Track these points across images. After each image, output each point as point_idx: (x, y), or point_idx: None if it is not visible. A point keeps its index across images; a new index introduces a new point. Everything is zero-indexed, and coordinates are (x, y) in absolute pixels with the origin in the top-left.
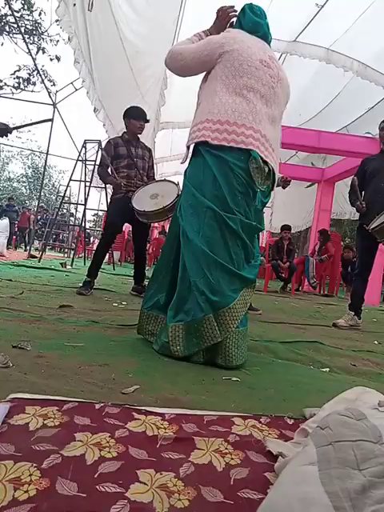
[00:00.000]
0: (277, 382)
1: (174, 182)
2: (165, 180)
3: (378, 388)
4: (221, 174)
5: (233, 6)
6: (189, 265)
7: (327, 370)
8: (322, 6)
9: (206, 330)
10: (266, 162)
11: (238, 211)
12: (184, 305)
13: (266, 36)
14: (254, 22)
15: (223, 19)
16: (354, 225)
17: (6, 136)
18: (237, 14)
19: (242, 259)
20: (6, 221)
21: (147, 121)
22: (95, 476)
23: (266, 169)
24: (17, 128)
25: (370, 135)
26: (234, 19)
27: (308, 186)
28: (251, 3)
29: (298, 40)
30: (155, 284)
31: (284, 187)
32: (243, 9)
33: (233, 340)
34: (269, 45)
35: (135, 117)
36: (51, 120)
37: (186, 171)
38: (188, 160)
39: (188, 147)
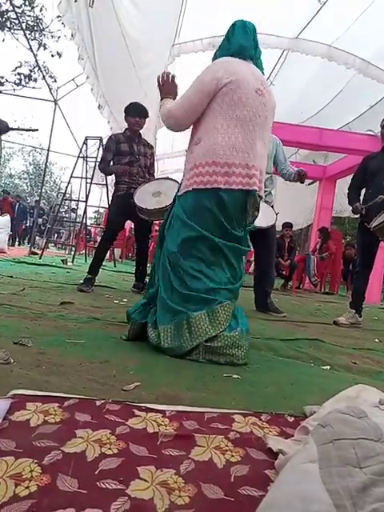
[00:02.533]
0: (277, 379)
1: (176, 181)
2: (168, 178)
3: (378, 386)
4: (215, 207)
5: (166, 72)
6: (172, 277)
7: (328, 367)
8: (325, 3)
9: (199, 325)
10: (260, 196)
11: (225, 236)
12: (168, 308)
13: (252, 58)
14: (240, 46)
15: (168, 83)
16: (355, 223)
17: (4, 133)
18: (174, 75)
19: (224, 277)
20: (6, 217)
21: (145, 116)
22: (96, 472)
23: (259, 200)
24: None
25: (372, 133)
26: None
27: (309, 184)
28: (242, 20)
29: (300, 37)
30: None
31: (302, 182)
32: (233, 25)
33: (233, 340)
34: (257, 65)
35: (132, 114)
36: (37, 130)
37: (179, 199)
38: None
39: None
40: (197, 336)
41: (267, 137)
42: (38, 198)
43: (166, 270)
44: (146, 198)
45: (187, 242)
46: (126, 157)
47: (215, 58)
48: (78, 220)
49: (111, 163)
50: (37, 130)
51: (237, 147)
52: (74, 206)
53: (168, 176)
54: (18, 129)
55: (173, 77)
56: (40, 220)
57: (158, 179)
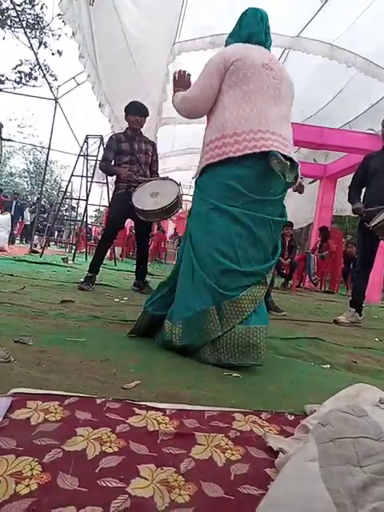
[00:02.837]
0: (277, 378)
1: (176, 182)
2: (167, 178)
3: (378, 385)
4: (231, 180)
5: (185, 71)
6: (194, 265)
7: (328, 366)
8: (326, 1)
9: (207, 323)
10: (287, 158)
11: (246, 207)
12: (185, 303)
13: (261, 43)
14: (250, 33)
15: (183, 78)
16: (355, 221)
17: None
18: (190, 73)
19: (250, 255)
20: (7, 216)
21: (145, 115)
22: (96, 471)
23: (288, 163)
24: None
25: (373, 132)
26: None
27: (310, 183)
28: (254, 8)
29: (301, 35)
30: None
31: (300, 192)
32: (245, 12)
33: (248, 337)
34: (267, 48)
35: (132, 112)
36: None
37: (196, 182)
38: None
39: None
40: (205, 334)
41: (285, 108)
42: (38, 196)
43: (190, 261)
44: (143, 198)
45: (202, 216)
46: (126, 156)
47: (226, 44)
48: (77, 218)
49: (112, 162)
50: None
51: (245, 117)
52: (73, 205)
53: (168, 176)
54: None
55: (189, 75)
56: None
57: (158, 179)
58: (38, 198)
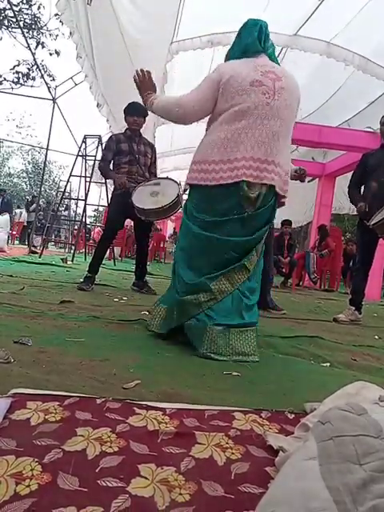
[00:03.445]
0: (277, 376)
1: (175, 181)
2: (167, 178)
3: (378, 383)
4: (207, 204)
5: (140, 69)
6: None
7: (328, 364)
8: (323, 0)
9: (181, 308)
10: (259, 185)
11: (219, 231)
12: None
13: (258, 52)
14: (245, 45)
15: (145, 80)
16: (354, 220)
17: None
18: (149, 70)
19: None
20: (6, 216)
21: (144, 115)
22: (96, 471)
23: (255, 194)
24: None
25: (371, 130)
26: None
27: (309, 181)
28: (254, 19)
29: (299, 34)
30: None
31: (302, 180)
32: (245, 24)
33: (220, 334)
34: (269, 55)
35: (130, 113)
36: None
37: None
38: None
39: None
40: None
41: (277, 123)
42: (33, 195)
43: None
44: (143, 198)
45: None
46: (126, 156)
47: (226, 56)
48: (76, 218)
49: (111, 163)
50: None
51: (225, 144)
52: (69, 203)
53: (168, 176)
54: None
55: (148, 73)
56: (33, 215)
57: (157, 179)
58: (33, 196)
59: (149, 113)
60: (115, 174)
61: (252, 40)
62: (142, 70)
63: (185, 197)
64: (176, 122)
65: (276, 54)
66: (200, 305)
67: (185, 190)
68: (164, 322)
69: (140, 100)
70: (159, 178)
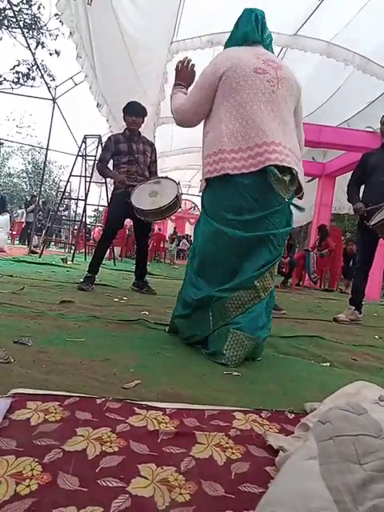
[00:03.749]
0: (277, 376)
1: (174, 181)
2: (166, 178)
3: (378, 382)
4: (229, 197)
5: (186, 58)
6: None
7: (328, 364)
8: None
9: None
10: (287, 169)
11: (238, 226)
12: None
13: (257, 41)
14: (244, 34)
15: (185, 70)
16: (354, 219)
17: None
18: (193, 63)
19: (237, 267)
20: (6, 216)
21: (143, 115)
22: (96, 470)
23: (288, 177)
24: None
25: (371, 129)
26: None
27: (308, 181)
28: (249, 9)
29: (299, 33)
30: None
31: (300, 198)
32: (241, 14)
33: (224, 338)
34: (265, 46)
35: (129, 113)
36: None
37: (201, 199)
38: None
39: (206, 179)
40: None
41: (284, 110)
42: (32, 195)
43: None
44: (142, 198)
45: (204, 234)
46: (125, 156)
47: (225, 48)
48: (73, 218)
49: (110, 163)
50: None
51: (241, 132)
52: (67, 203)
53: (167, 175)
54: None
55: (192, 65)
56: (32, 215)
57: (157, 178)
58: (32, 196)
59: (148, 112)
60: (114, 172)
61: (251, 28)
62: (187, 61)
63: (183, 196)
64: (181, 125)
65: (276, 54)
66: (243, 304)
67: (201, 188)
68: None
69: (139, 100)
70: (159, 178)
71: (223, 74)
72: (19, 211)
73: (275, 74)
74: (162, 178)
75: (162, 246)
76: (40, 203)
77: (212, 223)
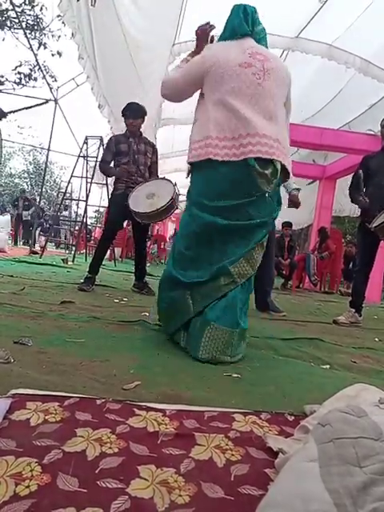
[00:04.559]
0: (277, 378)
1: (171, 182)
2: (164, 179)
3: (378, 385)
4: (218, 187)
5: (208, 22)
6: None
7: (328, 366)
8: (325, 2)
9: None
10: (270, 161)
11: (214, 212)
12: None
13: (246, 34)
14: (232, 29)
15: (204, 36)
16: (354, 222)
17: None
18: (214, 27)
19: (213, 252)
20: (7, 216)
21: (141, 116)
22: (96, 471)
23: (269, 169)
24: (14, 112)
25: (372, 132)
26: (214, 33)
27: (309, 183)
28: (239, 4)
29: (301, 36)
30: None
31: (296, 207)
32: (231, 10)
33: (204, 332)
34: (257, 40)
35: (127, 116)
36: (48, 101)
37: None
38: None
39: (190, 163)
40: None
41: (270, 103)
42: (39, 198)
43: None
44: (139, 200)
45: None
46: (125, 157)
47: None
48: (73, 218)
49: (111, 163)
50: (47, 101)
51: (227, 123)
52: (67, 203)
53: (164, 176)
54: (29, 107)
55: (211, 27)
56: (26, 213)
57: (155, 180)
58: (25, 197)
59: (149, 113)
60: (115, 169)
61: (239, 21)
62: (207, 25)
63: (181, 197)
64: (175, 100)
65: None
66: (220, 288)
67: (188, 173)
68: (174, 319)
69: (140, 101)
70: (157, 179)
71: (209, 68)
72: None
73: (262, 66)
74: (160, 179)
75: (162, 246)
76: (36, 203)
77: (191, 208)
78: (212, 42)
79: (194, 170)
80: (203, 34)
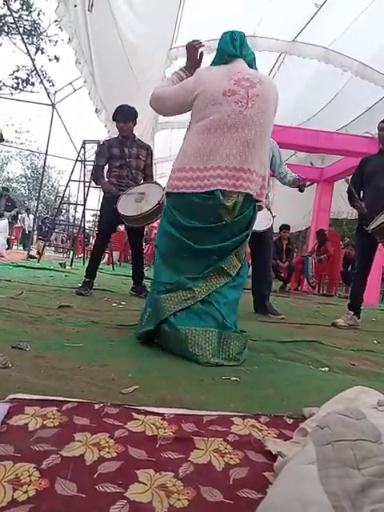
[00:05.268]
0: (276, 381)
1: (161, 186)
2: (155, 183)
3: (377, 387)
4: (186, 211)
5: (197, 40)
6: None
7: (326, 369)
8: (321, 6)
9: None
10: (236, 193)
11: (187, 236)
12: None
13: (234, 55)
14: (221, 52)
15: (192, 53)
16: (353, 224)
17: None
18: (203, 45)
19: (179, 266)
20: (4, 221)
21: (132, 119)
22: (94, 476)
23: (231, 201)
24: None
25: (369, 135)
26: (202, 49)
27: (307, 186)
28: (228, 31)
29: (297, 40)
30: None
31: (301, 190)
32: (220, 37)
33: (193, 336)
34: (247, 62)
35: (116, 119)
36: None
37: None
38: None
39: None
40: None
41: (251, 131)
42: (37, 203)
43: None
44: (128, 203)
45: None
46: (117, 160)
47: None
48: (73, 223)
49: (106, 167)
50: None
51: (201, 153)
52: (63, 208)
53: (155, 181)
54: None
55: (200, 45)
56: (12, 213)
57: (146, 184)
58: (8, 196)
59: (146, 117)
60: (104, 181)
61: (225, 43)
62: (197, 43)
63: None
64: (163, 115)
65: (274, 60)
66: (180, 303)
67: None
68: (144, 324)
69: (137, 105)
70: (147, 183)
71: (196, 96)
72: (19, 216)
73: (246, 93)
74: (151, 183)
75: None
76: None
77: (166, 224)
78: (201, 57)
79: (170, 196)
80: (193, 50)
